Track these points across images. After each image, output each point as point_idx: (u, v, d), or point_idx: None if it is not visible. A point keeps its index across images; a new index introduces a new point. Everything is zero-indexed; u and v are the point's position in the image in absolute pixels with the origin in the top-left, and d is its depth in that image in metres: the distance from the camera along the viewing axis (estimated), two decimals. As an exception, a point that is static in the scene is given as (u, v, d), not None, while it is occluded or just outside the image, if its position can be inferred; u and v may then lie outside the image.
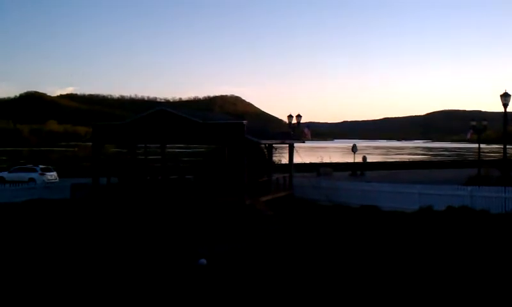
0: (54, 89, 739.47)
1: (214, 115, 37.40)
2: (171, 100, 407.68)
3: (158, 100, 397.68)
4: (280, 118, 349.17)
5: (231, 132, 23.37)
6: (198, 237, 19.54)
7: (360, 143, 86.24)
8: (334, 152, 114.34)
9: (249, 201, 22.98)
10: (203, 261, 15.29)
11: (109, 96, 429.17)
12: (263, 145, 27.37)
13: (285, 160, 32.52)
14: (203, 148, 45.80)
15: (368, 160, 53.62)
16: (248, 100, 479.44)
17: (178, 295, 12.17)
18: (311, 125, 36.84)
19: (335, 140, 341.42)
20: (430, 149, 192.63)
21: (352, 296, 11.96)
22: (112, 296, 12.18)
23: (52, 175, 37.81)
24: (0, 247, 17.66)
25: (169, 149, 32.63)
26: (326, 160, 59.69)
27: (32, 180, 34.81)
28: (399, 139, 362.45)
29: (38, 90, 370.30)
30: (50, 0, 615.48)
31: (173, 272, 14.41)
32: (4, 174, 38.58)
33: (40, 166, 39.29)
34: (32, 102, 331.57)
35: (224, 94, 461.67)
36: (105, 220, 22.29)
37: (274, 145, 28.28)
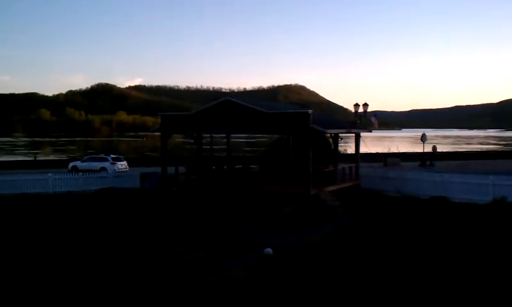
0: (124, 81, 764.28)
1: (278, 104, 37.25)
2: (236, 90, 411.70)
3: (223, 90, 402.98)
4: (345, 106, 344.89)
5: (296, 121, 23.15)
6: (261, 226, 19.54)
7: (429, 132, 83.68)
8: (402, 142, 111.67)
9: (314, 191, 22.74)
10: (269, 250, 15.21)
11: (176, 87, 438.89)
12: (328, 134, 26.98)
13: (351, 149, 31.95)
14: (266, 137, 45.93)
15: (438, 149, 51.79)
16: (312, 89, 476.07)
17: (245, 284, 12.14)
18: (378, 114, 35.81)
19: (403, 129, 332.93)
20: (503, 138, 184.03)
21: (430, 296, 11.50)
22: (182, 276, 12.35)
23: (123, 164, 38.94)
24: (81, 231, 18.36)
25: (232, 139, 32.82)
26: (394, 149, 58.28)
27: (103, 169, 36.03)
28: (470, 128, 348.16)
29: (108, 82, 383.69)
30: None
31: (240, 261, 14.42)
32: (77, 163, 40.18)
33: (111, 156, 40.60)
34: (103, 94, 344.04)
35: (288, 83, 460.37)
36: (174, 208, 22.69)
37: (340, 134, 27.80)
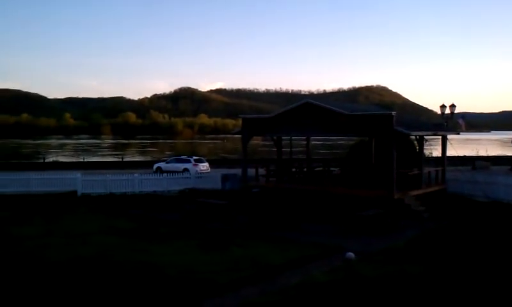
0: (205, 85, 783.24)
1: (359, 106, 36.56)
2: (315, 92, 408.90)
3: (302, 92, 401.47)
4: (430, 108, 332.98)
5: (379, 123, 22.55)
6: (342, 230, 19.18)
7: (522, 135, 78.97)
8: (491, 144, 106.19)
9: (398, 195, 22.04)
10: (351, 254, 14.89)
11: (255, 90, 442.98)
12: (413, 137, 26.08)
13: (437, 152, 30.70)
14: (344, 139, 45.26)
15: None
16: (394, 90, 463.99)
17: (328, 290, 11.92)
18: (466, 115, 34.25)
19: (492, 131, 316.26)
20: None
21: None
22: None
23: (204, 166, 39.78)
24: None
25: (311, 142, 32.52)
26: (482, 153, 55.48)
27: (186, 170, 36.97)
28: None
29: (190, 86, 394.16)
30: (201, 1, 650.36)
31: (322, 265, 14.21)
32: (162, 164, 41.55)
33: (194, 157, 41.62)
34: (186, 97, 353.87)
35: (369, 84, 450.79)
36: (254, 209, 22.79)
37: (425, 137, 26.80)
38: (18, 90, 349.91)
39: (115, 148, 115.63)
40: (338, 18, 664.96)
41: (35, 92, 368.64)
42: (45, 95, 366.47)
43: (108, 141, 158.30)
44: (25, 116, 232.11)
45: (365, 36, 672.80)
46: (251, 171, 28.35)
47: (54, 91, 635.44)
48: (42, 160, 58.71)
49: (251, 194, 26.13)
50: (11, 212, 23.64)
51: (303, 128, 25.77)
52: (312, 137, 32.30)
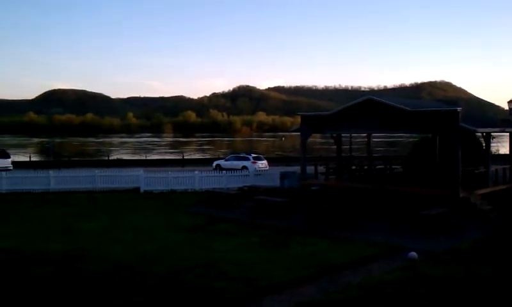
0: (263, 83, 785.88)
1: (422, 102, 35.50)
2: (376, 88, 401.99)
3: (362, 89, 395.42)
4: (497, 104, 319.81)
5: (443, 120, 21.81)
6: (404, 229, 18.68)
7: None
8: None
9: (463, 194, 21.24)
10: (414, 254, 14.47)
11: (314, 87, 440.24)
12: (479, 134, 25.08)
13: (504, 150, 29.42)
14: (404, 136, 44.12)
15: None
16: (459, 85, 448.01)
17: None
18: (536, 111, 32.52)
19: None
20: None
21: None
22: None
23: (263, 163, 39.89)
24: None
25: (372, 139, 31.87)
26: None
27: (244, 167, 37.19)
28: None
29: (249, 84, 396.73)
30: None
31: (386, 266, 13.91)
32: (221, 162, 42.06)
33: (252, 155, 41.83)
34: (244, 95, 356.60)
35: (432, 80, 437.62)
36: (312, 207, 22.61)
37: (492, 134, 25.71)
38: (84, 90, 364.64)
39: (172, 145, 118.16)
40: (399, 12, 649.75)
41: (100, 92, 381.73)
42: (109, 95, 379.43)
43: (167, 139, 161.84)
44: (90, 115, 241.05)
45: (427, 31, 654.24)
46: (310, 169, 28.15)
47: (117, 91, 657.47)
48: (107, 158, 60.69)
49: (310, 192, 25.93)
50: (78, 208, 24.58)
51: (364, 125, 25.31)
52: (374, 134, 31.74)
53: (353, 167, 28.89)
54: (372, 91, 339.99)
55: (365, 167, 28.85)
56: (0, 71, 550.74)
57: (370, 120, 24.50)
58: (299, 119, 28.29)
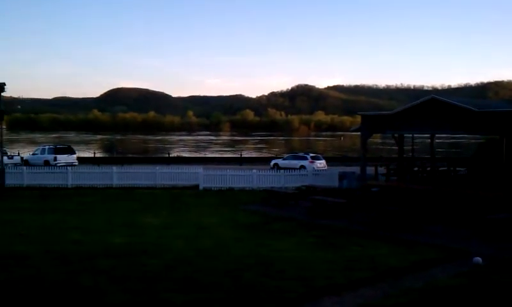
0: (322, 82, 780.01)
1: (488, 102, 34.19)
2: (440, 88, 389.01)
3: (425, 88, 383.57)
4: None
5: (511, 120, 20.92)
6: (468, 234, 18.01)
7: None
8: None
9: (533, 199, 20.26)
10: (479, 259, 13.92)
11: (375, 86, 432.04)
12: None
13: None
14: (466, 138, 42.51)
15: None
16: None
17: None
18: None
19: None
20: None
21: None
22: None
23: (321, 163, 39.60)
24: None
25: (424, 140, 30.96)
26: None
27: (302, 167, 37.01)
28: None
29: (307, 83, 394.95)
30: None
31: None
32: (279, 161, 42.10)
33: (310, 154, 41.61)
34: (302, 94, 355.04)
35: (499, 79, 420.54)
36: (372, 208, 22.24)
37: None
38: (146, 89, 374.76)
39: (226, 144, 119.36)
40: (465, 10, 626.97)
41: (161, 91, 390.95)
42: (170, 94, 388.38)
43: (223, 137, 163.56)
44: (152, 113, 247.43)
45: (494, 29, 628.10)
46: (369, 170, 27.68)
47: (178, 89, 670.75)
48: (167, 155, 62.07)
49: (370, 193, 25.50)
50: (140, 203, 25.27)
51: (426, 126, 24.65)
52: (437, 135, 30.85)
53: (415, 169, 28.16)
54: (435, 91, 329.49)
55: (428, 168, 28.06)
56: (68, 70, 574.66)
57: (434, 120, 23.82)
58: (358, 118, 27.93)
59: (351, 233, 18.31)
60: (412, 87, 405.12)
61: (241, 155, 60.24)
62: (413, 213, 19.67)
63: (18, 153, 50.28)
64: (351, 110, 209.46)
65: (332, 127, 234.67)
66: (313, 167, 36.33)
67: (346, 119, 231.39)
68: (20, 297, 10.50)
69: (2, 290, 10.84)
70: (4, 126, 31.85)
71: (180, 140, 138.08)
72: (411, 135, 28.76)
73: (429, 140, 30.60)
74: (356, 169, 29.35)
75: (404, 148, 29.07)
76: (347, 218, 21.27)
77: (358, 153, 29.00)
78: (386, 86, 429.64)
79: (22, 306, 10.07)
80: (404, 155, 29.45)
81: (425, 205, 22.00)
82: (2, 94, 29.96)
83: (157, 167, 33.66)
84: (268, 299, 10.66)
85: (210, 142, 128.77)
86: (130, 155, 62.93)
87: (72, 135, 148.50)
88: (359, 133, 27.89)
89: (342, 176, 29.08)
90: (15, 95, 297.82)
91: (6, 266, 12.89)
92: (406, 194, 23.96)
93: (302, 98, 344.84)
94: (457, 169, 27.47)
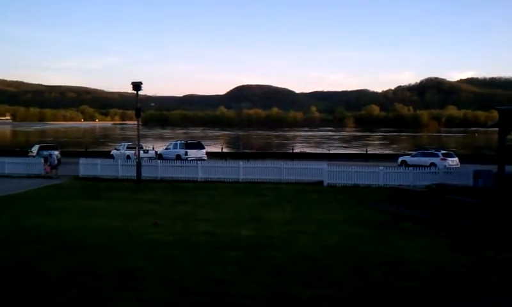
0: (454, 74, 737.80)
1: None
2: None
3: None
4: None
5: None
6: None
7: None
8: None
9: None
10: None
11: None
12: None
13: None
14: None
15: None
16: None
17: None
18: None
19: None
20: None
21: None
22: None
23: (454, 161, 37.59)
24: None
25: None
26: None
27: (433, 164, 35.38)
28: None
29: (438, 76, 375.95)
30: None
31: None
32: (407, 158, 40.59)
33: (441, 151, 39.63)
34: (432, 88, 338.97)
35: None
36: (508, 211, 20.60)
37: None
38: (270, 86, 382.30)
39: (346, 140, 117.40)
40: None
41: (284, 87, 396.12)
42: (293, 90, 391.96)
43: (345, 133, 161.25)
44: (275, 109, 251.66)
45: None
46: (508, 168, 25.62)
47: (301, 85, 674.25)
48: (291, 151, 62.69)
49: (509, 194, 23.61)
50: (265, 198, 25.77)
51: None
52: None
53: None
54: None
55: None
56: (198, 68, 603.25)
57: None
58: (494, 113, 26.07)
59: (488, 235, 17.07)
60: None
61: (366, 151, 59.02)
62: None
63: (153, 147, 53.76)
64: (486, 104, 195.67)
65: (465, 122, 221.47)
66: (445, 165, 34.58)
67: (481, 114, 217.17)
68: (154, 285, 11.15)
69: (140, 279, 11.59)
70: (140, 123, 34.27)
71: (297, 136, 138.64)
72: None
73: None
74: (492, 167, 27.33)
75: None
76: (483, 220, 19.87)
77: (495, 150, 26.92)
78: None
79: (156, 292, 10.69)
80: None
81: None
82: (138, 92, 32.28)
83: (282, 163, 34.08)
84: (400, 300, 10.26)
85: (329, 138, 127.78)
86: (252, 151, 64.45)
87: (197, 131, 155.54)
88: (496, 129, 25.90)
89: (477, 174, 27.26)
90: (149, 93, 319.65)
91: (143, 253, 13.80)
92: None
93: (432, 91, 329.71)
94: None
